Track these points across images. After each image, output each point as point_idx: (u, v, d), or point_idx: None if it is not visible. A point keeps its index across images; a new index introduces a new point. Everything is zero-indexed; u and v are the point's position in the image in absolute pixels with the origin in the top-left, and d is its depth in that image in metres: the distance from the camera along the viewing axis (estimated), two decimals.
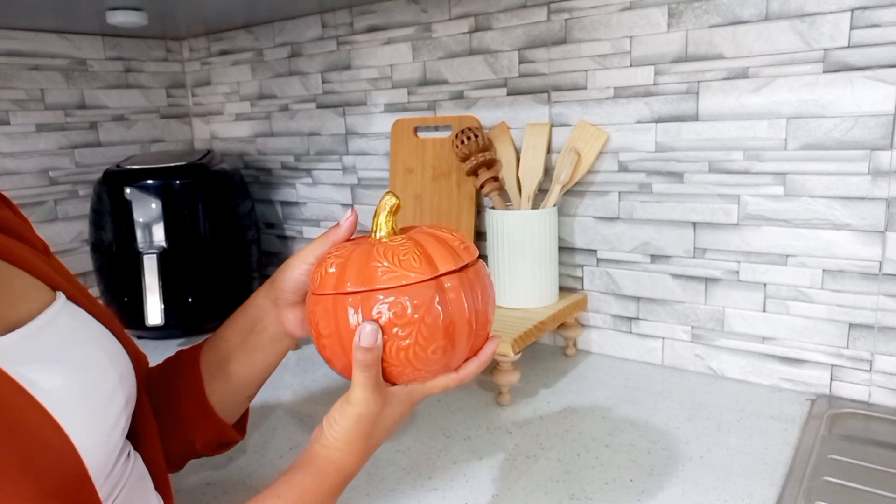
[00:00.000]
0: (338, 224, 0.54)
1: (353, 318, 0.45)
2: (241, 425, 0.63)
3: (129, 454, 0.48)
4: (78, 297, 0.49)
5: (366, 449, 0.49)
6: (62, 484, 0.37)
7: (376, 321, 0.44)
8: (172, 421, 0.56)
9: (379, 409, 0.48)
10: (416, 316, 0.44)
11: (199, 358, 0.59)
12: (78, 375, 0.42)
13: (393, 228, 0.50)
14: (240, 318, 0.59)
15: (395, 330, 0.45)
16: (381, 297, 0.44)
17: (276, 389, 0.91)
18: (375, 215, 0.50)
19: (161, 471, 0.52)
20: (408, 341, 0.45)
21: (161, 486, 0.51)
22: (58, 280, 0.48)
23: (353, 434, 0.48)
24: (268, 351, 0.58)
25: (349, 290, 0.45)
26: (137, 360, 0.53)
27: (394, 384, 0.49)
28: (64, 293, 0.48)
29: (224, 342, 0.59)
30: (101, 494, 0.40)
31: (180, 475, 0.70)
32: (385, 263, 0.45)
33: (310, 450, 0.49)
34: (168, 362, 0.61)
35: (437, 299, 0.45)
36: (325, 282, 0.47)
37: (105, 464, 0.42)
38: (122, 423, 0.47)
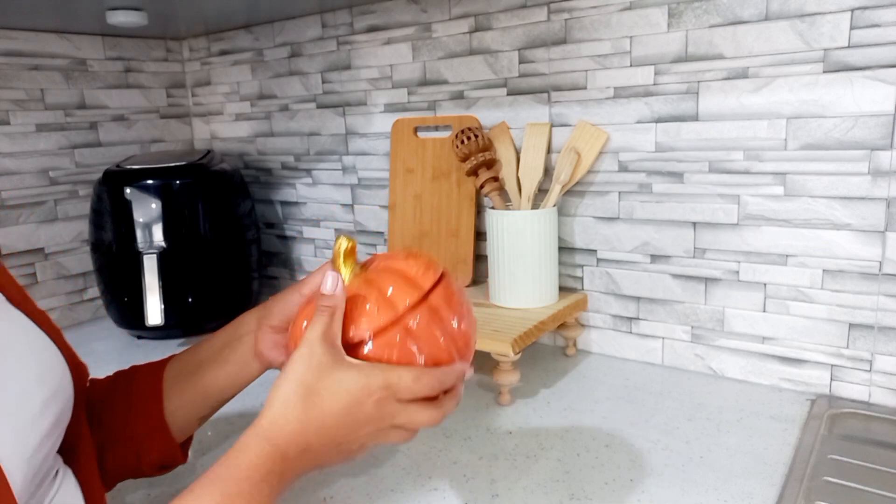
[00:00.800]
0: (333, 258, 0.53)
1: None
2: (185, 448, 0.59)
3: (57, 472, 0.45)
4: (21, 303, 0.46)
5: (302, 417, 0.41)
6: None
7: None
8: (121, 435, 0.53)
9: (325, 361, 0.42)
10: (394, 359, 0.44)
11: (163, 372, 0.56)
12: (3, 392, 0.39)
13: (353, 271, 0.49)
14: (222, 333, 0.57)
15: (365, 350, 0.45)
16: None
17: None
18: (333, 262, 0.49)
19: (95, 489, 0.48)
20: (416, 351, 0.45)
21: (93, 501, 0.48)
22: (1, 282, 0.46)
23: (288, 387, 0.42)
24: (236, 369, 0.55)
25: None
26: (77, 371, 0.50)
27: None
28: (3, 295, 0.46)
29: (197, 354, 0.57)
30: None
31: (175, 477, 0.70)
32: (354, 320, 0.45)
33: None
34: (122, 375, 0.58)
35: (408, 341, 0.44)
36: (291, 343, 0.49)
37: (28, 484, 0.39)
38: (52, 441, 0.43)
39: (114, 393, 0.56)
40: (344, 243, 0.48)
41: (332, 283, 0.45)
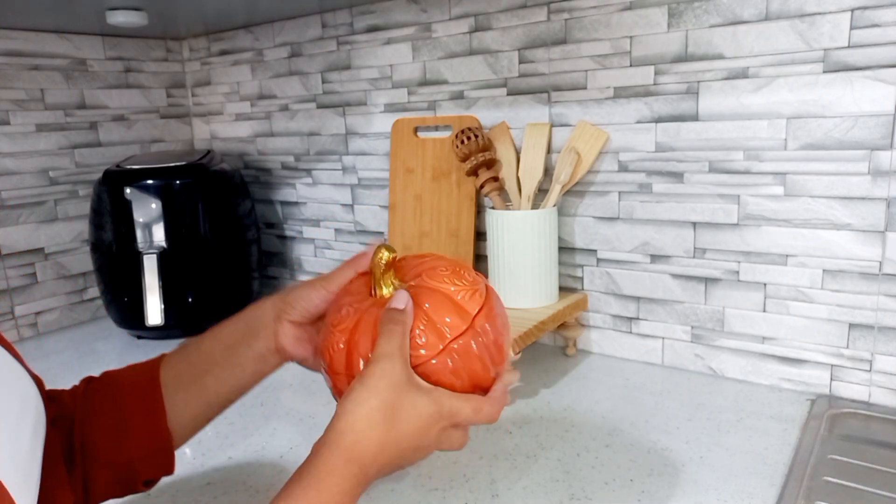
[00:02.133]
0: (363, 253, 0.51)
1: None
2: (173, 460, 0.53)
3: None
4: None
5: (384, 439, 0.40)
6: None
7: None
8: (115, 456, 0.48)
9: (403, 380, 0.41)
10: (439, 382, 0.44)
11: (159, 376, 0.51)
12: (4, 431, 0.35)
13: (392, 283, 0.47)
14: (229, 329, 0.53)
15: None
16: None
17: (275, 390, 0.91)
18: (372, 273, 0.47)
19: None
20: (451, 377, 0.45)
21: None
22: None
23: (373, 405, 0.40)
24: (253, 366, 0.52)
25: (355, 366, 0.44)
26: (39, 386, 0.45)
27: None
28: None
29: (200, 352, 0.52)
30: None
31: (181, 475, 0.70)
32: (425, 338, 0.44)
33: (316, 447, 0.40)
34: (99, 383, 0.51)
35: (449, 364, 0.44)
36: (337, 361, 0.45)
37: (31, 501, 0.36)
38: (37, 458, 0.39)
39: (96, 406, 0.49)
40: (385, 255, 0.46)
41: (404, 299, 0.44)
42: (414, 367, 0.43)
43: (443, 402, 0.43)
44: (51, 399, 0.48)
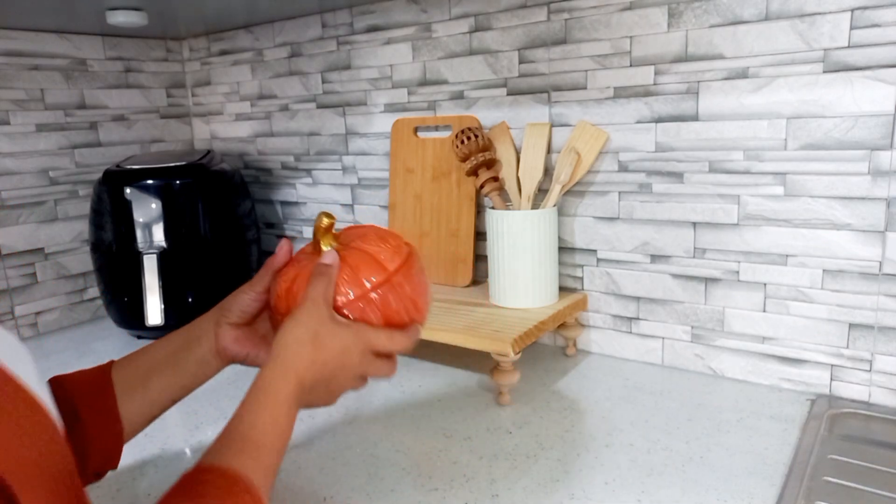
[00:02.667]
0: (275, 254, 0.59)
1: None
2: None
3: None
4: None
5: (313, 355, 0.50)
6: (61, 473, 0.36)
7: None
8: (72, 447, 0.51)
9: (326, 315, 0.51)
10: (377, 305, 0.54)
11: (110, 376, 0.55)
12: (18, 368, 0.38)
13: (330, 244, 0.57)
14: (174, 338, 0.59)
15: (359, 307, 0.54)
16: (357, 302, 0.54)
17: None
18: (314, 235, 0.57)
19: None
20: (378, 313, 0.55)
21: None
22: None
23: (300, 331, 0.50)
24: (193, 369, 0.58)
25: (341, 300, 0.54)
26: None
27: None
28: None
29: (147, 357, 0.58)
30: None
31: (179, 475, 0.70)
32: (351, 282, 0.54)
33: (260, 370, 0.49)
34: (53, 385, 0.54)
35: (368, 306, 0.54)
36: (280, 303, 0.55)
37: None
38: None
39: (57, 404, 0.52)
40: (325, 220, 0.56)
41: (332, 257, 0.54)
42: (339, 307, 0.53)
43: (360, 331, 0.53)
44: None
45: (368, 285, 0.54)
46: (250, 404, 0.47)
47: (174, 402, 0.58)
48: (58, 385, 0.54)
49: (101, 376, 0.55)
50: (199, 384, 0.59)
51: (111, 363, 0.57)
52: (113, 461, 0.55)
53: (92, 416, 0.53)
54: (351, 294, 0.53)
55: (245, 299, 0.58)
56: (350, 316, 0.53)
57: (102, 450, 0.54)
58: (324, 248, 0.56)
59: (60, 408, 0.47)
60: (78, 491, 0.37)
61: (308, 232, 1.32)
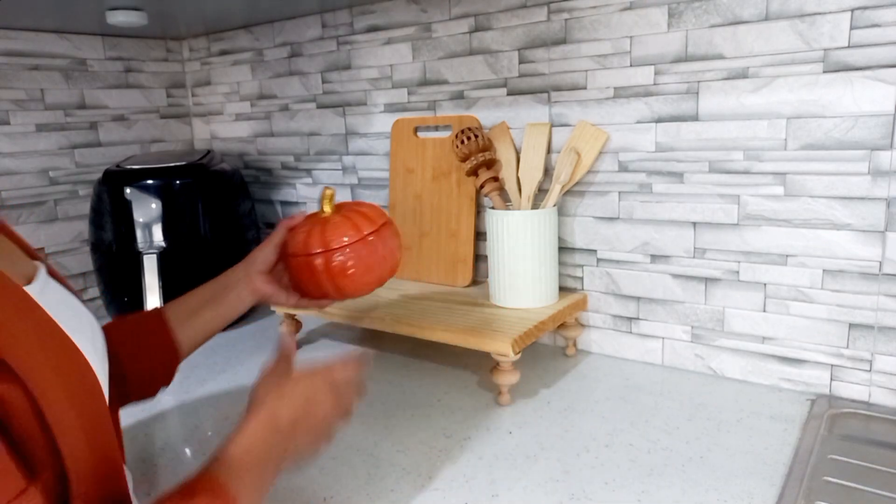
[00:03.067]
0: (293, 216, 0.75)
1: (317, 262, 0.71)
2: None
3: None
4: (53, 272, 0.54)
5: (273, 422, 0.55)
6: (96, 416, 0.43)
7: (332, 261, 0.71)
8: (139, 367, 0.66)
9: (272, 404, 0.56)
10: (350, 259, 0.70)
11: (165, 314, 0.70)
12: (79, 331, 0.47)
13: (331, 209, 0.75)
14: (212, 285, 0.74)
15: (338, 257, 0.70)
16: (335, 251, 0.71)
17: None
18: (320, 200, 0.75)
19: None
20: (351, 271, 0.71)
21: None
22: (38, 254, 0.54)
23: (260, 427, 0.55)
24: (231, 306, 0.73)
25: (315, 252, 0.71)
26: None
27: (342, 296, 0.73)
28: (43, 266, 0.52)
29: (194, 299, 0.73)
30: None
31: (181, 475, 0.70)
32: (334, 237, 0.71)
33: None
34: (119, 325, 0.68)
35: (362, 248, 0.71)
36: (294, 246, 0.72)
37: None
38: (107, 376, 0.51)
39: (123, 337, 0.66)
40: (328, 192, 0.75)
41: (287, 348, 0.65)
42: (328, 251, 0.70)
43: (310, 380, 0.59)
44: None
45: (346, 240, 0.70)
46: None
47: (217, 331, 0.73)
48: (122, 322, 0.69)
49: (158, 314, 0.70)
50: (237, 316, 0.74)
51: (159, 308, 0.71)
52: (169, 378, 0.69)
53: (154, 342, 0.68)
54: (335, 244, 0.70)
55: (267, 251, 0.74)
56: (334, 261, 0.70)
57: (162, 370, 0.68)
58: (325, 209, 0.74)
59: (125, 340, 0.64)
60: (104, 419, 0.44)
61: None
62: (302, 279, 0.73)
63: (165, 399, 0.90)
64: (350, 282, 0.72)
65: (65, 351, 0.43)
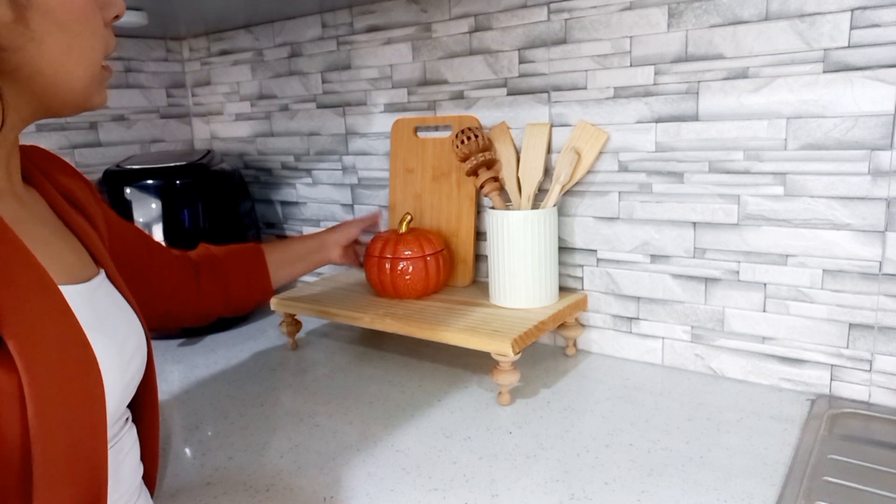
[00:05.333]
0: (372, 214, 1.09)
1: (386, 264, 0.97)
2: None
3: (127, 419, 0.55)
4: (115, 279, 0.55)
5: None
6: (88, 426, 0.43)
7: (397, 266, 0.97)
8: (237, 286, 0.86)
9: None
10: (411, 268, 0.96)
11: (266, 257, 0.91)
12: (111, 337, 0.49)
13: (407, 229, 1.00)
14: (309, 242, 0.99)
15: (402, 265, 0.96)
16: (401, 259, 0.97)
17: (275, 389, 0.91)
18: (399, 224, 1.01)
19: (152, 443, 0.59)
20: (408, 277, 0.96)
21: (148, 457, 0.59)
22: (103, 259, 0.55)
23: None
24: (317, 262, 1.00)
25: (387, 256, 0.97)
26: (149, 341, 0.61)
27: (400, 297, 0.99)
28: (105, 271, 0.54)
29: (292, 252, 0.96)
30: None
31: (181, 474, 0.70)
32: (403, 249, 0.97)
33: None
34: (229, 250, 0.88)
35: (421, 263, 0.97)
36: (373, 248, 0.99)
37: (114, 414, 0.49)
38: (131, 387, 0.52)
39: (227, 264, 0.86)
40: (407, 216, 1.00)
41: None
42: (395, 259, 0.96)
43: None
44: (182, 255, 0.82)
45: (409, 254, 0.96)
46: None
47: (303, 275, 0.99)
48: (230, 251, 0.88)
49: (261, 255, 0.90)
50: (319, 267, 1.02)
51: (260, 248, 0.91)
52: (260, 302, 0.92)
53: (256, 274, 0.89)
54: (402, 254, 0.96)
55: (353, 229, 1.03)
56: (398, 267, 0.96)
57: (258, 296, 0.90)
58: (402, 228, 0.99)
59: (234, 264, 0.86)
60: (95, 430, 0.44)
61: (308, 231, 1.33)
62: (372, 273, 0.98)
63: (165, 398, 0.90)
64: (404, 284, 0.96)
65: (77, 356, 0.43)
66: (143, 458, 0.57)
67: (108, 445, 0.46)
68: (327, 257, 1.00)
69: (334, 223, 1.29)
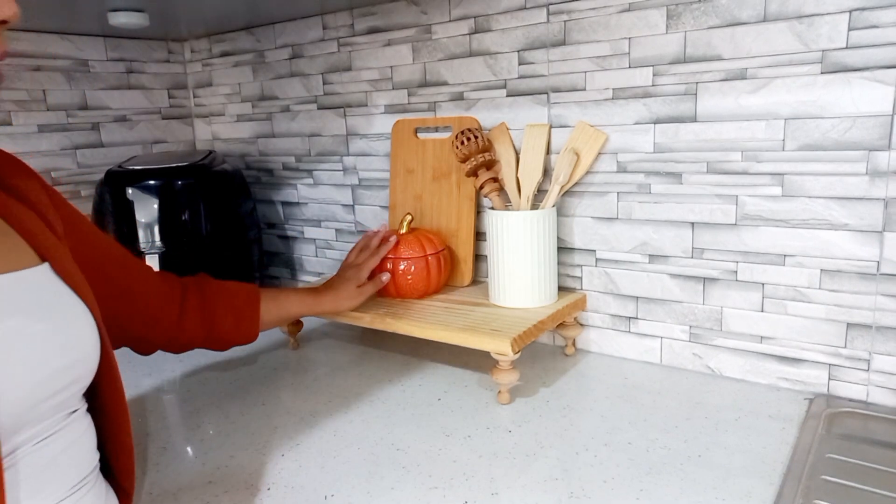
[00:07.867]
0: (378, 235, 1.00)
1: (387, 265, 0.98)
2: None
3: (75, 411, 0.51)
4: (67, 274, 0.51)
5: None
6: None
7: (399, 267, 0.98)
8: (229, 329, 0.82)
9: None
10: (412, 268, 0.97)
11: (259, 303, 0.85)
12: (25, 332, 0.45)
13: (408, 229, 1.01)
14: (306, 300, 0.92)
15: (403, 264, 0.97)
16: (402, 259, 0.98)
17: (276, 389, 0.92)
18: (400, 224, 1.02)
19: (121, 435, 0.56)
20: (409, 277, 0.98)
21: (119, 450, 0.56)
22: (50, 252, 0.51)
23: None
24: (313, 314, 0.95)
25: (388, 256, 0.98)
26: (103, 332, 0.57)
27: (403, 296, 1.00)
28: (51, 265, 0.51)
29: (287, 310, 0.90)
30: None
31: (183, 473, 0.71)
32: (404, 249, 0.98)
33: None
34: (222, 286, 0.84)
35: (422, 263, 0.98)
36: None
37: (28, 409, 0.45)
38: (62, 396, 0.49)
39: (218, 300, 0.82)
40: (408, 218, 1.01)
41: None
42: (397, 259, 0.98)
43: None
44: (169, 281, 0.80)
45: (411, 254, 0.97)
46: None
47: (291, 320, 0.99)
48: (223, 287, 0.84)
49: (254, 299, 0.85)
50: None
51: (259, 292, 0.86)
52: (245, 341, 0.84)
53: (242, 317, 0.83)
54: (404, 255, 0.97)
55: (361, 272, 0.96)
56: (400, 266, 0.97)
57: (242, 338, 0.84)
58: (402, 229, 1.00)
59: (222, 302, 0.82)
60: None
61: (309, 232, 1.33)
62: (373, 273, 0.97)
63: (166, 398, 0.90)
64: (405, 284, 0.97)
65: None
66: (107, 451, 0.55)
67: (37, 440, 0.46)
68: (333, 311, 0.95)
69: (334, 223, 1.30)
